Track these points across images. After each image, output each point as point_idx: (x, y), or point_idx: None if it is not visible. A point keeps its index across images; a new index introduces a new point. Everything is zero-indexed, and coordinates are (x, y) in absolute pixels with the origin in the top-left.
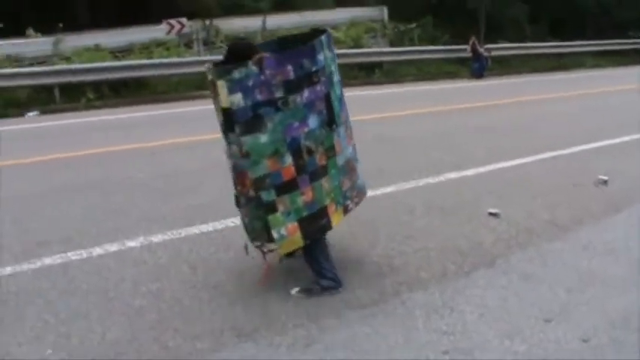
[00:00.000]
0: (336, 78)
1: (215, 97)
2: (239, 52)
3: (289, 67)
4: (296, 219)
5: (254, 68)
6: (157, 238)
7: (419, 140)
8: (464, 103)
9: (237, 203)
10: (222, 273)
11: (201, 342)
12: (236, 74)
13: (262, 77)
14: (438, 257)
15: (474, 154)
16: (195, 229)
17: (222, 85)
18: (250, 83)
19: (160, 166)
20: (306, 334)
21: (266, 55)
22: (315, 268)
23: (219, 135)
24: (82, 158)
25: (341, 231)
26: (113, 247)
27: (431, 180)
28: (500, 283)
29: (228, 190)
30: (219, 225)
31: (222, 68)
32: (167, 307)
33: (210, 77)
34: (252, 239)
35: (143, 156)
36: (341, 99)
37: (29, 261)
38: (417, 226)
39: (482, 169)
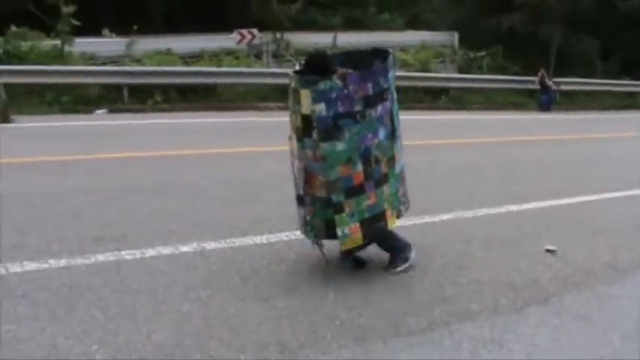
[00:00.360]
0: (395, 95)
1: (295, 103)
2: (317, 62)
3: (369, 85)
4: (359, 220)
5: (338, 82)
6: (210, 245)
7: (481, 169)
8: (529, 135)
9: (301, 201)
10: (273, 286)
11: (245, 354)
12: (321, 86)
13: (345, 91)
14: (491, 290)
15: (537, 187)
16: (249, 240)
17: (306, 94)
18: (334, 95)
19: (222, 174)
20: (350, 356)
21: (349, 71)
22: (392, 246)
23: (282, 147)
24: (145, 159)
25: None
26: (166, 250)
27: (491, 210)
28: (552, 322)
29: (285, 203)
30: (273, 238)
31: (308, 78)
32: (214, 315)
33: (293, 85)
34: (314, 235)
35: (206, 162)
36: (398, 113)
37: (84, 256)
38: (472, 257)
39: (543, 204)
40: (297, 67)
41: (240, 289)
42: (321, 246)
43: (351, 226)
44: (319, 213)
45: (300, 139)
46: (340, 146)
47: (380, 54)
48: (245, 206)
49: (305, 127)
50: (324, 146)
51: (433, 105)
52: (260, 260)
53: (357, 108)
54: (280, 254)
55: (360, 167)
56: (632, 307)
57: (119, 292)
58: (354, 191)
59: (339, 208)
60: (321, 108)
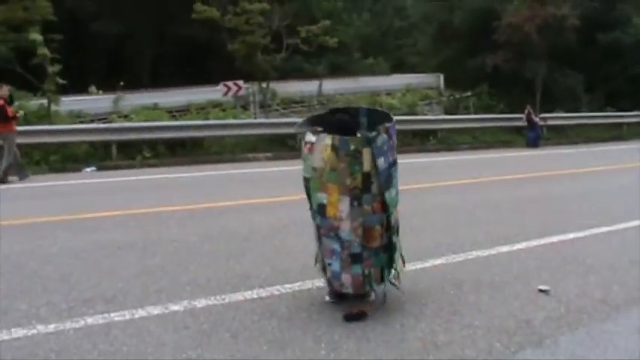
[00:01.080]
0: None
1: (350, 165)
2: (344, 120)
3: (395, 135)
4: (400, 254)
5: (385, 136)
6: (200, 303)
7: (471, 210)
8: (518, 173)
9: (357, 259)
10: (264, 343)
11: None
12: (379, 141)
13: (391, 142)
14: (484, 335)
15: (527, 226)
16: (239, 296)
17: (368, 152)
18: (385, 148)
19: (211, 229)
20: None
21: (388, 125)
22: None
23: (270, 199)
24: (134, 216)
25: (386, 304)
26: (156, 310)
27: (481, 253)
28: None
29: (275, 257)
30: (263, 292)
31: (366, 136)
32: None
33: (352, 147)
34: (370, 285)
35: (195, 217)
36: None
37: (72, 319)
38: (464, 302)
39: (534, 243)
40: (319, 128)
41: (230, 347)
42: (374, 291)
43: (400, 261)
44: (375, 262)
45: (357, 198)
46: (393, 192)
47: (346, 111)
48: (234, 261)
49: (364, 185)
50: (386, 196)
51: (422, 147)
52: (251, 316)
53: (396, 155)
54: (271, 309)
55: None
56: (627, 343)
57: (108, 355)
58: (398, 230)
59: (397, 247)
60: (382, 162)
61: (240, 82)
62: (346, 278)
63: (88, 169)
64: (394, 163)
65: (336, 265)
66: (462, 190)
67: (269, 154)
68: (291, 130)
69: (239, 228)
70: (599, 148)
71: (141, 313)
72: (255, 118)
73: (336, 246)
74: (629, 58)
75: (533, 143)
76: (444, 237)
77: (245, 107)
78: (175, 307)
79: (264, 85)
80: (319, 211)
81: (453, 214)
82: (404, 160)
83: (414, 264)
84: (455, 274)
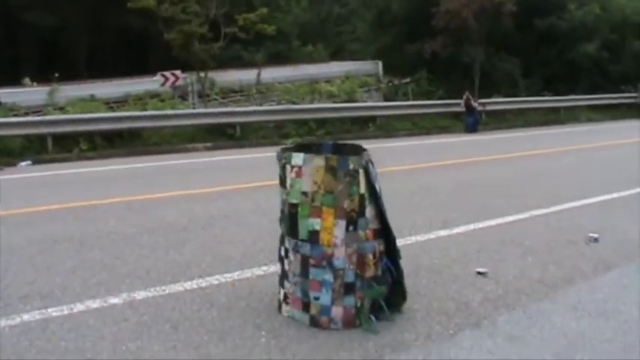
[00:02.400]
0: None
1: (349, 186)
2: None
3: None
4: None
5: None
6: (140, 295)
7: (409, 196)
8: (456, 158)
9: (350, 289)
10: (204, 333)
11: None
12: (370, 165)
13: (374, 168)
14: (424, 318)
15: (466, 210)
16: (179, 286)
17: (363, 173)
18: (374, 173)
19: (149, 220)
20: None
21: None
22: None
23: (208, 189)
24: (71, 210)
25: None
26: (95, 304)
27: (420, 238)
28: (485, 345)
29: (215, 246)
30: (203, 282)
31: (358, 158)
32: None
33: (351, 167)
34: (362, 321)
35: (133, 209)
36: None
37: (8, 317)
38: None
39: (472, 227)
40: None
41: (170, 338)
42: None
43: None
44: (368, 293)
45: (353, 222)
46: (385, 215)
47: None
48: (174, 252)
49: (360, 208)
50: (383, 218)
51: (361, 134)
52: (191, 306)
53: None
54: (211, 299)
55: None
56: (564, 322)
57: (45, 352)
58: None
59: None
60: (378, 184)
61: (178, 72)
62: (337, 312)
63: (24, 163)
64: (378, 189)
65: (325, 299)
66: (401, 175)
67: (208, 144)
68: (230, 120)
69: (178, 218)
70: (537, 132)
71: (79, 307)
72: (194, 108)
73: (328, 276)
74: (565, 42)
75: (471, 128)
76: None
77: (183, 97)
78: (114, 300)
79: (202, 74)
80: (310, 239)
81: (392, 200)
82: None
83: None
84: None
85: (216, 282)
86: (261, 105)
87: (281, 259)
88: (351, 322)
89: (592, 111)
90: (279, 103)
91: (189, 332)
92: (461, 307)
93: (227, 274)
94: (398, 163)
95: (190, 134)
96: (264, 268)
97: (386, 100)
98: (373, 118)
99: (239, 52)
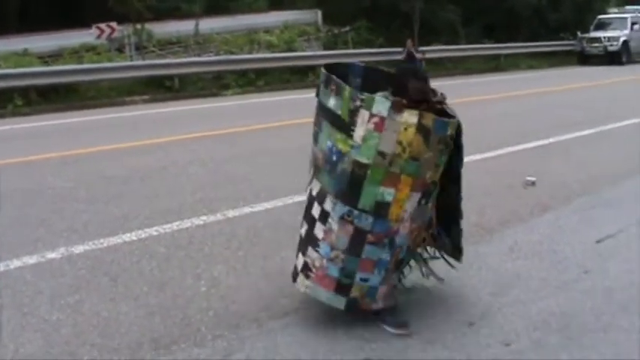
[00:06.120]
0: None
1: (429, 149)
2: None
3: None
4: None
5: None
6: (77, 249)
7: None
8: None
9: (398, 266)
10: (144, 284)
11: (119, 355)
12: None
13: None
14: None
15: None
16: (117, 239)
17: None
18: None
19: (87, 175)
20: (226, 345)
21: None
22: None
23: (145, 142)
24: (6, 167)
25: (265, 238)
26: (32, 260)
27: None
28: (425, 285)
29: (153, 198)
30: (142, 234)
31: (455, 121)
32: (84, 320)
33: (449, 130)
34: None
35: (70, 164)
36: None
37: None
38: None
39: None
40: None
41: (110, 290)
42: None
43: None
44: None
45: (428, 195)
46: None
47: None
48: (113, 205)
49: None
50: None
51: (301, 84)
52: (130, 258)
53: None
54: (150, 250)
55: None
56: (500, 263)
57: None
58: None
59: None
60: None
61: (114, 24)
62: (382, 290)
63: None
64: None
65: (375, 280)
66: None
67: (146, 97)
68: (168, 72)
69: (116, 172)
70: (477, 80)
71: (16, 263)
72: (131, 60)
73: (385, 255)
74: None
75: None
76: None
77: (120, 50)
78: (52, 255)
79: (138, 26)
80: (376, 211)
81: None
82: (284, 97)
83: (292, 197)
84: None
85: (155, 233)
86: (199, 56)
87: (311, 221)
88: (389, 297)
89: (532, 58)
90: (217, 54)
91: (129, 284)
92: None
93: (166, 224)
94: None
95: (128, 87)
96: (204, 218)
97: (326, 49)
98: (313, 68)
99: (177, 2)
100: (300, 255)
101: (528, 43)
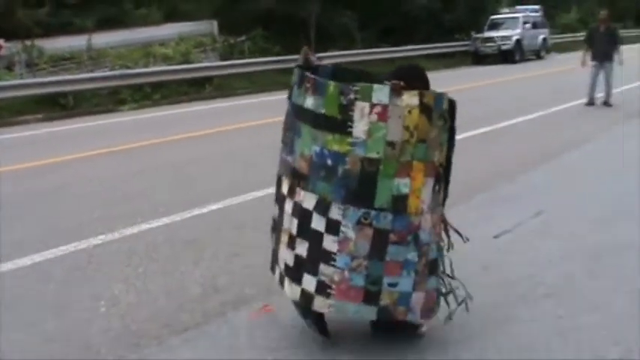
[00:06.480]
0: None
1: (433, 127)
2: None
3: None
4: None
5: None
6: None
7: (248, 155)
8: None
9: (433, 268)
10: (41, 310)
11: None
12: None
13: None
14: (264, 272)
15: None
16: (11, 265)
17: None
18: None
19: None
20: None
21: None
22: None
23: (41, 162)
24: None
25: (164, 253)
26: None
27: (259, 193)
28: None
29: (52, 220)
30: (38, 257)
31: (443, 94)
32: None
33: (445, 104)
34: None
35: None
36: None
37: None
38: (243, 243)
39: None
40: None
41: (4, 318)
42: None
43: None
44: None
45: (439, 180)
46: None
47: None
48: (6, 230)
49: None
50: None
51: (198, 95)
52: (25, 283)
53: None
54: (47, 273)
55: None
56: None
57: None
58: None
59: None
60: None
61: (1, 41)
62: (418, 298)
63: None
64: None
65: (406, 284)
66: (240, 134)
67: (39, 116)
68: (61, 89)
69: (11, 194)
70: None
71: None
72: (22, 78)
73: (412, 255)
74: None
75: None
76: (225, 182)
77: (10, 68)
78: None
79: (28, 42)
80: (394, 206)
81: (231, 159)
82: (182, 110)
83: (190, 211)
84: (235, 216)
85: (51, 256)
86: (93, 72)
87: (316, 236)
88: (430, 310)
89: (428, 60)
90: (112, 69)
91: (25, 311)
92: None
93: (63, 246)
94: (238, 121)
95: (19, 106)
96: (102, 237)
97: (222, 59)
98: (210, 79)
99: (70, 17)
100: (308, 275)
101: (424, 45)
